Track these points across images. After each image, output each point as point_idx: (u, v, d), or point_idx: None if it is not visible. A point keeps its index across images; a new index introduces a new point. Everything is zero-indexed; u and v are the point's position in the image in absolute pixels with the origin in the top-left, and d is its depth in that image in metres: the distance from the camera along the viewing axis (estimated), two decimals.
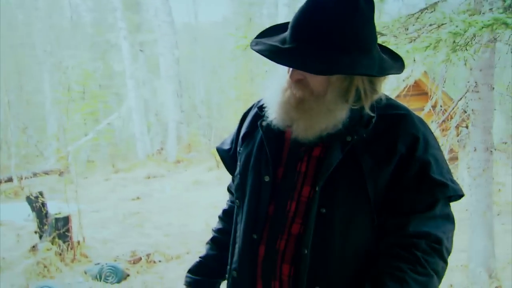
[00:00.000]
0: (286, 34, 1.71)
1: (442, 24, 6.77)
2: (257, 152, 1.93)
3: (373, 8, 1.69)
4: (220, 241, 2.26)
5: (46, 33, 22.33)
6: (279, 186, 1.87)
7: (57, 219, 9.39)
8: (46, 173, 16.13)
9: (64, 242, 9.09)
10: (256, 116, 2.01)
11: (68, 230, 9.29)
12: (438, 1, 7.66)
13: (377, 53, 1.71)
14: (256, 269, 1.90)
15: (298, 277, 1.77)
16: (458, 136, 10.77)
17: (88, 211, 11.41)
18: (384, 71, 1.71)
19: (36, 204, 9.59)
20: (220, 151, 2.25)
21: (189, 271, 2.25)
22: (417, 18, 7.51)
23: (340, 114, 1.71)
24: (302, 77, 1.69)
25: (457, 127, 10.73)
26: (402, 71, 1.82)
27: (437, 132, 10.54)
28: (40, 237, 9.48)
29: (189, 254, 8.70)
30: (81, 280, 8.08)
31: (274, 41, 1.75)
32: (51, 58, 21.81)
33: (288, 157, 1.89)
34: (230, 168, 2.18)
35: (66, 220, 9.46)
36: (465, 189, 8.36)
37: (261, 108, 1.95)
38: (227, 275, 2.06)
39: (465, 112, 8.81)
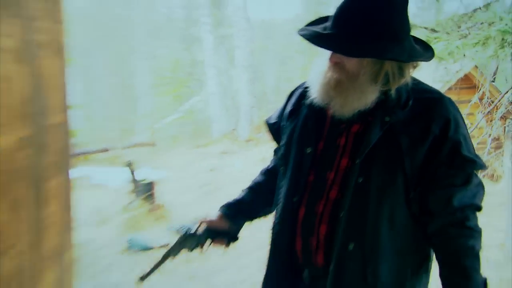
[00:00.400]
0: (328, 23, 1.75)
1: (492, 23, 6.55)
2: (301, 127, 1.96)
3: (406, 3, 1.72)
4: (254, 190, 2.30)
5: (143, 26, 22.91)
6: (319, 157, 1.89)
7: (145, 184, 9.72)
8: (139, 145, 16.55)
9: (150, 203, 9.40)
10: (301, 95, 2.03)
11: (153, 194, 9.62)
12: (492, 1, 7.44)
13: (408, 43, 1.73)
14: (296, 227, 1.91)
15: (334, 235, 1.79)
16: (503, 126, 10.41)
17: (171, 178, 11.72)
18: (412, 58, 1.72)
19: (130, 170, 9.94)
20: (267, 124, 2.25)
21: (223, 205, 2.29)
22: (470, 17, 7.34)
23: (371, 95, 1.74)
24: (339, 60, 1.72)
25: (503, 118, 10.30)
26: (430, 59, 1.83)
27: (482, 122, 10.46)
28: (132, 198, 9.84)
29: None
30: (165, 235, 8.36)
31: (317, 28, 1.80)
32: (146, 48, 22.34)
33: (329, 132, 1.90)
34: (275, 138, 2.20)
35: (152, 185, 9.79)
36: (506, 175, 8.41)
37: (305, 89, 1.98)
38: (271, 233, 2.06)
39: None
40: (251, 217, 2.27)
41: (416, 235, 1.82)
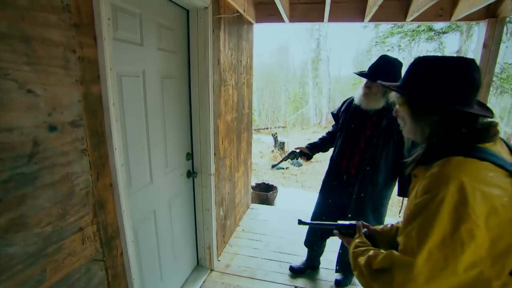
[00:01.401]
0: (366, 70, 1.71)
1: None
2: (349, 115, 1.86)
3: (400, 66, 1.63)
4: (322, 140, 2.14)
5: (284, 76, 22.62)
6: (357, 129, 1.81)
7: (280, 142, 9.81)
8: (279, 127, 16.65)
9: (281, 150, 9.51)
10: (350, 102, 1.92)
11: (283, 148, 9.70)
12: None
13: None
14: (344, 157, 1.86)
15: (362, 162, 1.78)
16: None
17: (291, 142, 11.68)
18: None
19: (275, 137, 10.08)
20: (332, 113, 2.07)
21: (308, 143, 2.16)
22: None
23: (381, 102, 1.67)
24: (369, 85, 1.67)
25: None
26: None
27: None
28: (274, 147, 10.05)
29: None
30: (287, 163, 8.44)
31: (362, 72, 1.73)
32: (284, 85, 22.02)
33: (362, 119, 1.79)
34: (335, 120, 2.07)
35: (283, 143, 9.85)
36: None
37: (351, 99, 1.90)
38: (330, 159, 1.97)
39: None
40: (318, 151, 2.12)
41: (394, 165, 1.75)
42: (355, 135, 1.82)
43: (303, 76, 22.47)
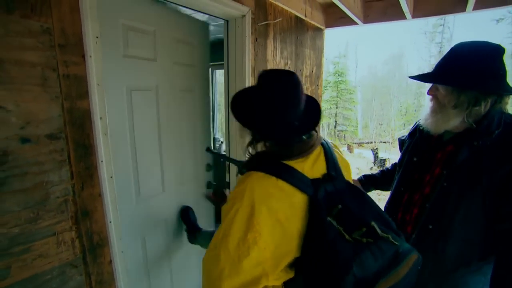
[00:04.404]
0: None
1: None
2: (413, 143, 1.33)
3: (493, 56, 1.03)
4: (383, 173, 1.60)
5: (398, 84, 20.10)
6: (421, 164, 1.27)
7: (381, 160, 8.77)
8: (385, 141, 14.95)
9: (382, 166, 8.50)
10: (417, 125, 1.35)
11: (384, 166, 8.59)
12: None
13: (493, 83, 1.03)
14: (400, 206, 1.32)
15: (420, 217, 1.23)
16: None
17: (394, 159, 10.22)
18: (491, 93, 1.03)
19: (375, 153, 9.08)
20: (399, 140, 1.51)
21: (363, 175, 1.66)
22: None
23: (454, 118, 1.11)
24: (433, 93, 1.15)
25: None
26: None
27: None
28: (373, 165, 9.00)
29: None
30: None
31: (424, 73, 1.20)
32: (397, 97, 19.54)
33: (430, 149, 1.25)
34: (400, 149, 1.51)
35: (384, 161, 8.76)
36: None
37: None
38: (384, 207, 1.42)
39: None
40: (376, 187, 1.61)
41: (488, 232, 1.09)
42: (418, 173, 1.29)
43: (419, 87, 19.22)
